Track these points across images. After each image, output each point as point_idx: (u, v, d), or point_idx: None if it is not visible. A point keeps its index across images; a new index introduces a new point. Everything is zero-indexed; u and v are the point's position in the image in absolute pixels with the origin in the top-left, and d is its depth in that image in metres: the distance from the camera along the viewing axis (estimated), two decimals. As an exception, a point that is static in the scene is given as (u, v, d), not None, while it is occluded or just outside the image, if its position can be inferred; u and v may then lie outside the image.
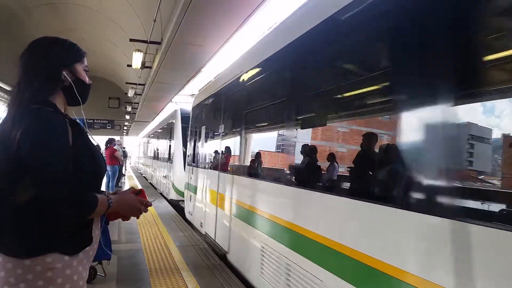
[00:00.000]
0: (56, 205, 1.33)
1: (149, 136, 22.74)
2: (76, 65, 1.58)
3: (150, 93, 15.43)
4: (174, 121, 12.50)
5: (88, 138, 1.60)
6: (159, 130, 17.13)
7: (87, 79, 1.62)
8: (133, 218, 1.68)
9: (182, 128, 11.44)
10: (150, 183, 18.99)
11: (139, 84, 15.92)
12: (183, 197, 9.13)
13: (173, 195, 11.23)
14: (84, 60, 1.63)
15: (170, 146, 13.17)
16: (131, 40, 10.58)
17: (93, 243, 1.52)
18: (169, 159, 12.74)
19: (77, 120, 1.63)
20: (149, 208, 1.65)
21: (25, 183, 1.34)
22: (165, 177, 13.42)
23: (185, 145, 10.68)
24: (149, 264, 4.80)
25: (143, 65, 11.21)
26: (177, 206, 10.31)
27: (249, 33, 7.75)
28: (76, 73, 1.57)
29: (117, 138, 13.98)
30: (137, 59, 10.63)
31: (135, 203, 1.60)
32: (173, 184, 11.36)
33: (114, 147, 11.29)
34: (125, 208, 1.58)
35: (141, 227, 7.15)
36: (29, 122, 1.36)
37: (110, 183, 10.98)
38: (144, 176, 22.30)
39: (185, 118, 10.98)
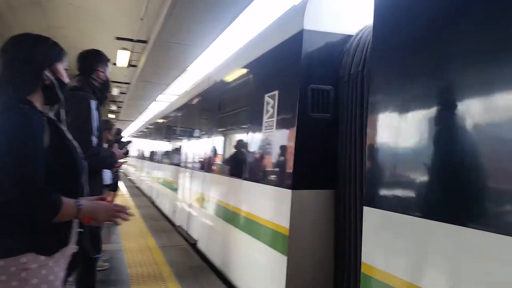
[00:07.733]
0: (17, 206, 1.31)
1: None
2: (57, 64, 1.57)
3: (136, 92, 15.29)
4: None
5: (66, 136, 1.59)
6: None
7: (66, 79, 1.62)
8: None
9: None
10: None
11: (125, 83, 15.76)
12: None
13: None
14: (65, 59, 1.63)
15: None
16: (117, 38, 10.46)
17: (70, 243, 1.51)
18: None
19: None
20: None
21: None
22: None
23: None
24: (130, 265, 4.74)
25: (129, 64, 11.08)
26: None
27: (236, 33, 7.75)
28: (57, 73, 1.57)
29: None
30: (123, 57, 10.51)
31: (111, 206, 1.58)
32: None
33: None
34: (100, 212, 1.54)
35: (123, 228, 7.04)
36: (6, 119, 1.36)
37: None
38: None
39: None
